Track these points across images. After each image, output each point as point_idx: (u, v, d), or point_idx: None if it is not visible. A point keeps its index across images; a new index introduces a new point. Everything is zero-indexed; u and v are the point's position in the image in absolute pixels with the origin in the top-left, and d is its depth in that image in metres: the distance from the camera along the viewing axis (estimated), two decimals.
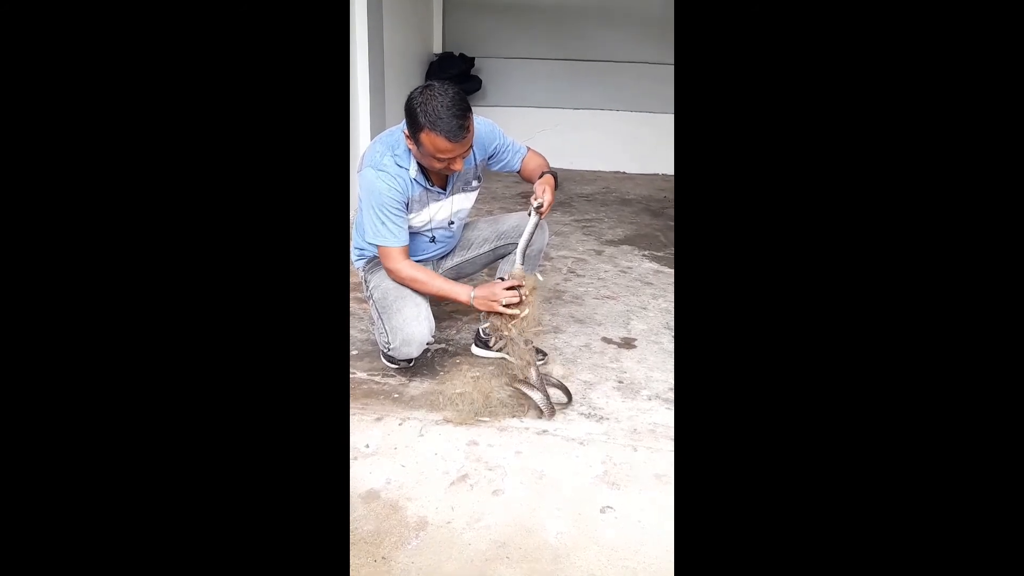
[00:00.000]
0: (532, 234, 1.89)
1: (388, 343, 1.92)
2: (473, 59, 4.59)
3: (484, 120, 1.89)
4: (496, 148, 1.95)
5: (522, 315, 1.83)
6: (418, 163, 1.81)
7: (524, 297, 1.82)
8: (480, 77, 4.64)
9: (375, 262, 2.02)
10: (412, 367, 2.11)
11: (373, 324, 1.98)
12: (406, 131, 1.74)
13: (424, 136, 1.65)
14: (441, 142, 1.65)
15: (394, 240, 1.83)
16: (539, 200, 1.84)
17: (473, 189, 2.01)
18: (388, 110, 3.73)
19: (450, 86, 1.68)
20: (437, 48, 4.72)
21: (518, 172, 2.05)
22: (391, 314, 1.91)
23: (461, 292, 1.86)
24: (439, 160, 1.70)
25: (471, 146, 1.75)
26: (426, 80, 4.48)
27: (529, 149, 2.04)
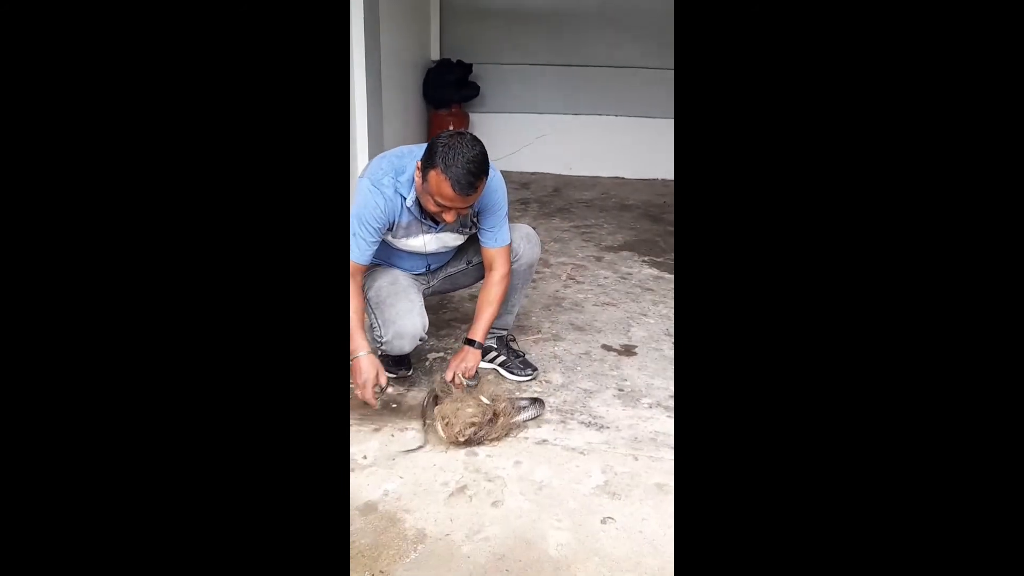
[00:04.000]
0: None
1: (381, 337, 1.90)
2: (471, 65, 4.58)
3: (500, 179, 1.86)
4: (488, 209, 1.88)
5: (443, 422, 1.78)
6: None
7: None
8: (478, 84, 4.63)
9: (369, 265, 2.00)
10: (411, 375, 2.09)
11: (365, 320, 1.96)
12: (419, 162, 1.73)
13: (433, 174, 1.65)
14: (446, 188, 1.64)
15: (357, 255, 1.81)
16: (448, 375, 1.91)
17: (465, 234, 1.98)
18: (386, 117, 3.72)
19: (480, 144, 1.68)
20: (435, 55, 4.71)
21: (482, 249, 1.96)
22: (384, 308, 1.90)
23: (357, 346, 1.77)
24: (436, 204, 1.70)
25: (471, 206, 1.72)
26: (424, 87, 4.48)
27: (506, 250, 1.95)
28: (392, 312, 1.88)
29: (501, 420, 1.79)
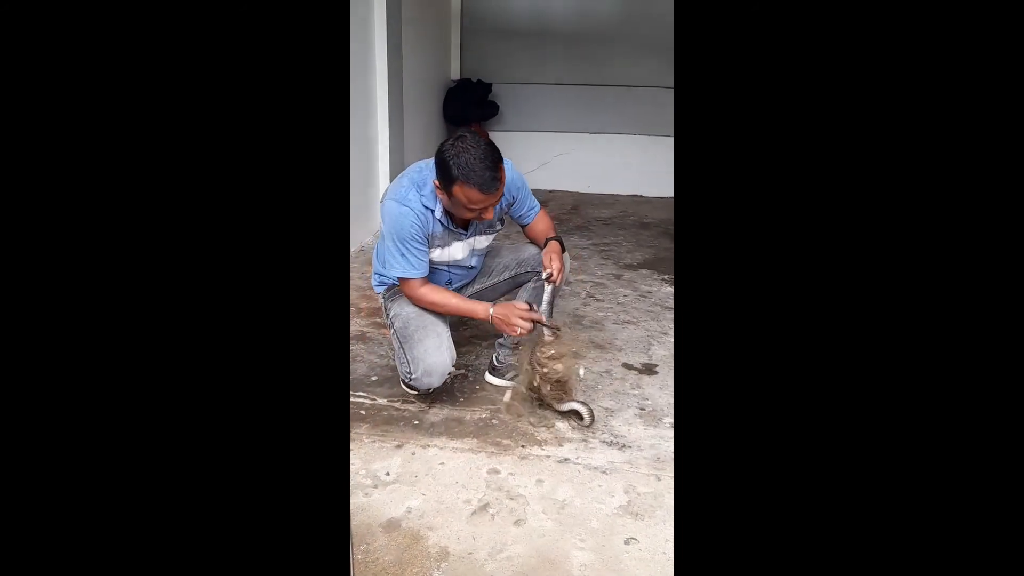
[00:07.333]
0: (551, 302, 1.97)
1: (410, 373, 1.93)
2: (490, 85, 4.63)
3: (511, 165, 1.92)
4: (517, 196, 1.97)
5: (546, 353, 1.91)
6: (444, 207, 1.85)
7: (555, 334, 1.91)
8: (497, 103, 4.67)
9: (395, 289, 2.02)
10: (432, 393, 2.09)
11: (394, 352, 1.98)
12: (436, 181, 1.77)
13: (457, 188, 1.69)
14: (474, 194, 1.68)
15: (414, 272, 1.87)
16: (548, 270, 1.93)
17: (494, 231, 2.02)
18: (407, 136, 3.76)
19: (480, 138, 1.72)
20: (455, 74, 4.76)
21: (524, 228, 2.09)
22: (412, 344, 1.92)
23: (479, 309, 1.92)
24: (471, 210, 1.74)
25: (502, 195, 1.78)
26: (444, 106, 4.53)
27: (542, 209, 2.07)
28: (420, 349, 1.90)
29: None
